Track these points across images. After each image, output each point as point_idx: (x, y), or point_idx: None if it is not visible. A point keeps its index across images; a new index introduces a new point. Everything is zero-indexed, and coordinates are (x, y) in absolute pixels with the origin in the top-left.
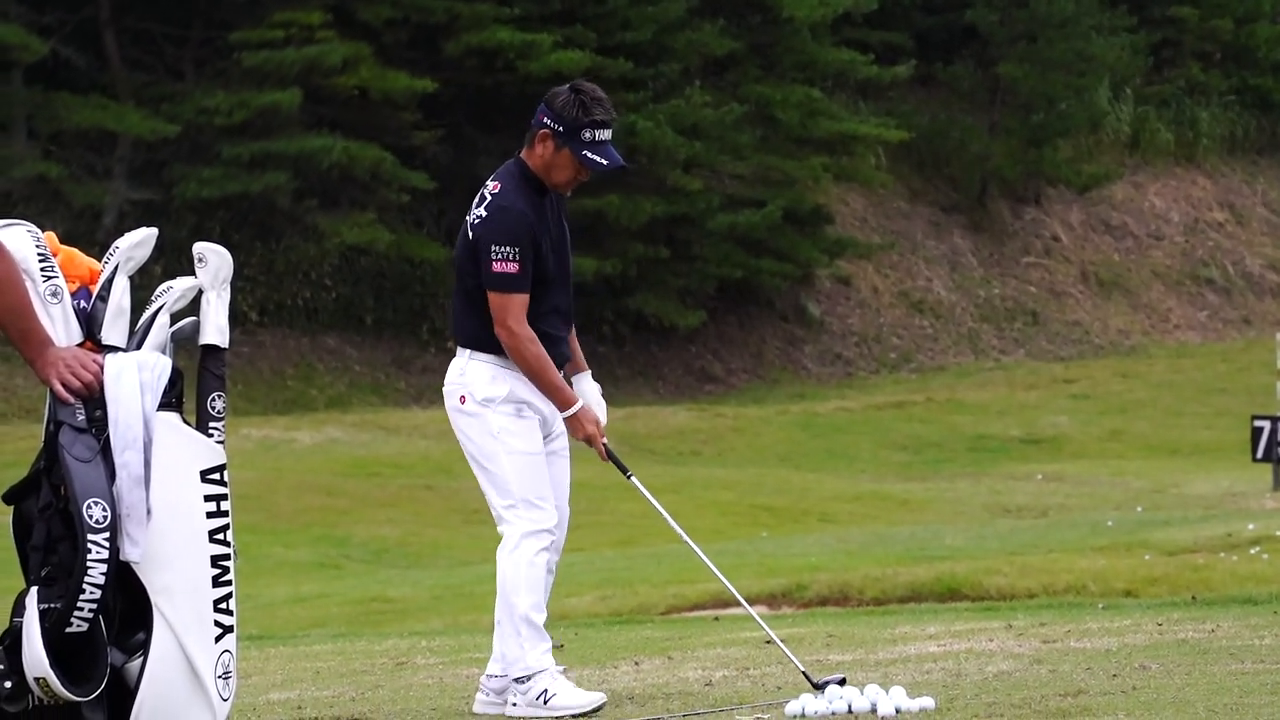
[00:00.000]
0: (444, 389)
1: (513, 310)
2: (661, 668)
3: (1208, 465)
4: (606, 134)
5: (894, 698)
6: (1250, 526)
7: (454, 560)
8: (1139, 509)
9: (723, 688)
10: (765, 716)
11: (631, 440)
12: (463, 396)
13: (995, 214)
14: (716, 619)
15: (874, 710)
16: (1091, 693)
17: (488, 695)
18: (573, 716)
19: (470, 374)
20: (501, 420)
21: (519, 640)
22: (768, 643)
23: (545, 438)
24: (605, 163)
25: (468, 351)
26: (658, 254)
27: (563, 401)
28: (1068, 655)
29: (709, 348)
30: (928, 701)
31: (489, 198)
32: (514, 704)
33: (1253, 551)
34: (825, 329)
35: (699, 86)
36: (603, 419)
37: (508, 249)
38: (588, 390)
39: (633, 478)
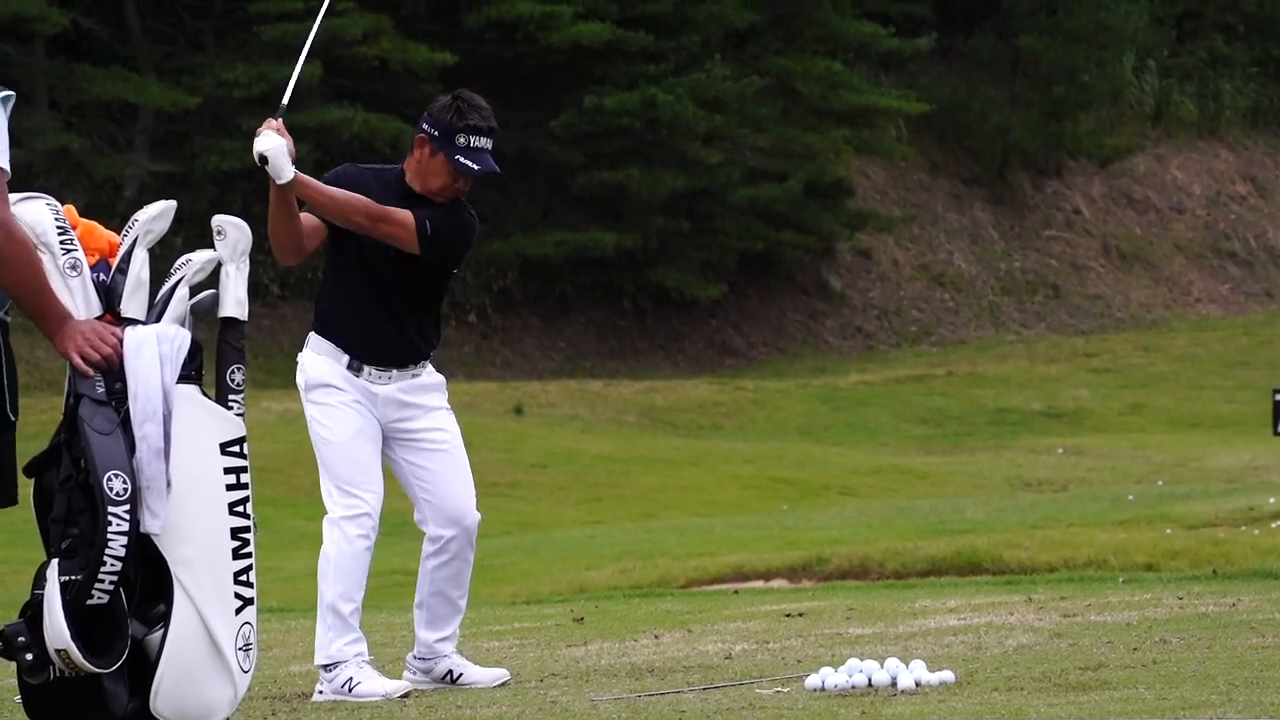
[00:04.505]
0: None
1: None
2: (681, 641)
3: (1229, 439)
4: (484, 141)
5: (914, 671)
6: (1271, 500)
7: None
8: (1160, 482)
9: (743, 661)
10: (785, 689)
11: (651, 413)
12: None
13: (1016, 187)
14: (736, 592)
15: (894, 683)
16: (1112, 666)
17: (414, 675)
18: (376, 702)
19: (302, 359)
20: (312, 409)
21: (325, 628)
22: (788, 615)
23: (401, 425)
24: (476, 167)
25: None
26: (678, 227)
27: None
28: (1088, 629)
29: (729, 321)
30: (948, 675)
31: None
32: (320, 691)
33: (1274, 525)
34: (846, 302)
35: (719, 59)
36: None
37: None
38: None
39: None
